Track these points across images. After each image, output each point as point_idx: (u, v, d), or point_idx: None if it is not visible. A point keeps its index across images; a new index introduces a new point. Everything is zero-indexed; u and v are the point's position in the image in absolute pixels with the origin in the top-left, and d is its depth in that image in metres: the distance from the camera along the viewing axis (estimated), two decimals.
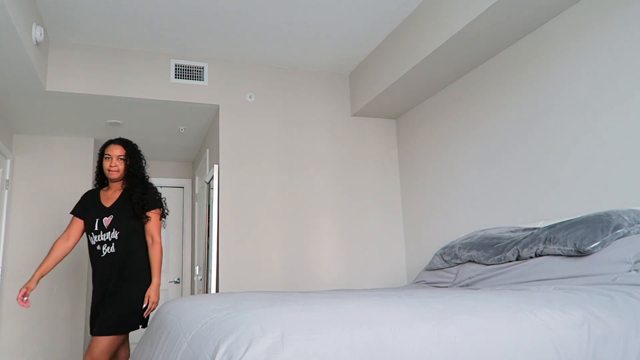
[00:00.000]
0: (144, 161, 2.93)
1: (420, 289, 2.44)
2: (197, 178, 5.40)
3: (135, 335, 5.39)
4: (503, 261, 2.48)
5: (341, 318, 1.20)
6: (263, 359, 1.04)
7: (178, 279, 5.69)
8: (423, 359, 1.15)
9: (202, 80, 3.95)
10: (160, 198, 2.89)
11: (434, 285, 2.92)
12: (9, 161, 4.40)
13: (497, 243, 2.59)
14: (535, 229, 2.52)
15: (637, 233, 2.03)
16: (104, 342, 2.58)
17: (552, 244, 2.20)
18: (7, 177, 4.34)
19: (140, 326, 2.68)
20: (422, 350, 1.16)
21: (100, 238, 2.75)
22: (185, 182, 5.95)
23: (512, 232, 2.64)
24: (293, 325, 1.14)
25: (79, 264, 4.55)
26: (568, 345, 1.30)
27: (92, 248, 2.78)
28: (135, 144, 2.92)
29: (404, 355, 1.13)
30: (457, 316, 1.27)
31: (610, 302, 1.50)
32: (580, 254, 2.07)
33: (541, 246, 2.26)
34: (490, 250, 2.59)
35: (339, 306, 1.32)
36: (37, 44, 3.19)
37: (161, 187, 5.83)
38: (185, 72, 3.92)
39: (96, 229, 2.77)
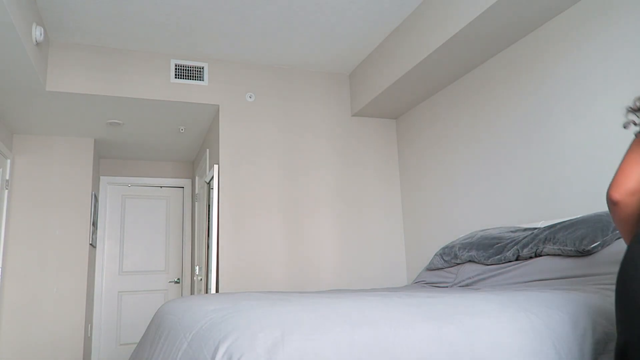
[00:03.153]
0: None
1: (420, 289, 2.44)
2: (197, 178, 5.40)
3: (135, 336, 5.39)
4: (503, 261, 2.48)
5: (341, 318, 1.20)
6: (263, 359, 1.04)
7: (178, 279, 5.69)
8: (423, 359, 1.15)
9: (202, 80, 3.95)
10: None
11: (434, 285, 2.92)
12: (9, 161, 4.40)
13: (497, 243, 2.59)
14: (535, 229, 2.52)
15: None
16: None
17: (552, 244, 2.20)
18: (7, 177, 4.34)
19: None
20: (422, 350, 1.16)
21: None
22: (185, 182, 5.95)
23: (512, 232, 2.64)
24: (293, 325, 1.14)
25: (79, 264, 4.55)
26: (568, 345, 1.30)
27: None
28: None
29: (404, 355, 1.13)
30: (457, 316, 1.27)
31: (610, 302, 1.50)
32: (581, 254, 2.07)
33: (541, 246, 2.26)
34: (490, 250, 2.58)
35: (339, 306, 1.32)
36: (37, 44, 3.19)
37: (161, 187, 5.83)
38: (185, 72, 3.92)
39: None
